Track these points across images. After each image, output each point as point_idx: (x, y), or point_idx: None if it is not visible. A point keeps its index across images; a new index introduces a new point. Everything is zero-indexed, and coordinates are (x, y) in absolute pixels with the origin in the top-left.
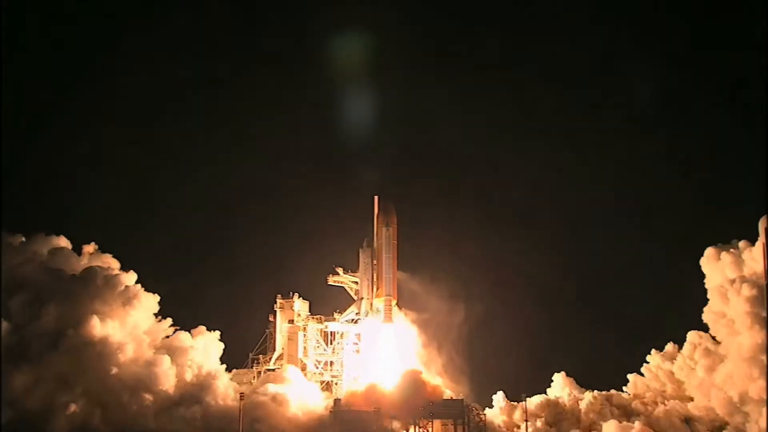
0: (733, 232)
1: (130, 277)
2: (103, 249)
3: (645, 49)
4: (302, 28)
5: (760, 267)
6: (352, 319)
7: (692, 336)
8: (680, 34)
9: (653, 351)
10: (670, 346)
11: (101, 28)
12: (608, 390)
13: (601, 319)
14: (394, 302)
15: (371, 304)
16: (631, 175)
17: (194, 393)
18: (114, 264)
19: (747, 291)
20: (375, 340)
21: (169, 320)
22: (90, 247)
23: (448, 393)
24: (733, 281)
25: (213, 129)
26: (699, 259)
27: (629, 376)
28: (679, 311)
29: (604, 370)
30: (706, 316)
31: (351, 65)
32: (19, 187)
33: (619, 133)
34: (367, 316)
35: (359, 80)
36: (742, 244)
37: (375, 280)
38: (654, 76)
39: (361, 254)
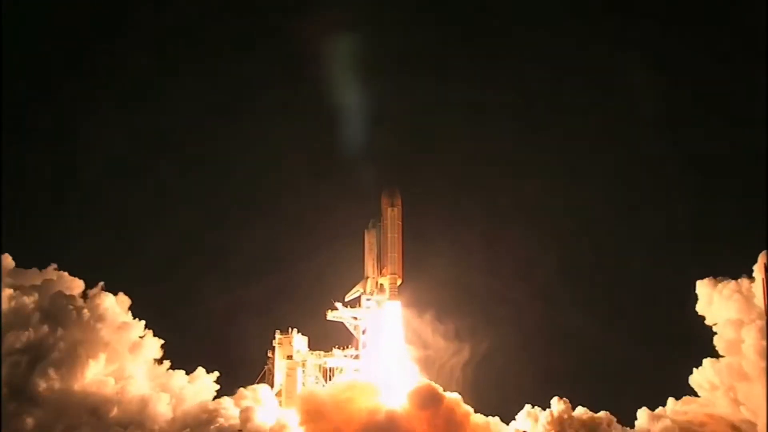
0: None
1: (139, 325)
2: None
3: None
4: (301, 26)
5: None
6: (352, 354)
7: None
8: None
9: (670, 400)
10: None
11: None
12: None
13: (613, 350)
14: (399, 281)
15: (377, 283)
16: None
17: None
18: (123, 304)
19: (752, 339)
20: (380, 319)
21: (167, 363)
22: (97, 289)
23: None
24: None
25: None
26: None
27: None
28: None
29: (617, 406)
30: (718, 366)
31: (350, 63)
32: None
33: (619, 133)
34: (372, 294)
35: (359, 80)
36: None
37: (380, 259)
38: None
39: (366, 235)
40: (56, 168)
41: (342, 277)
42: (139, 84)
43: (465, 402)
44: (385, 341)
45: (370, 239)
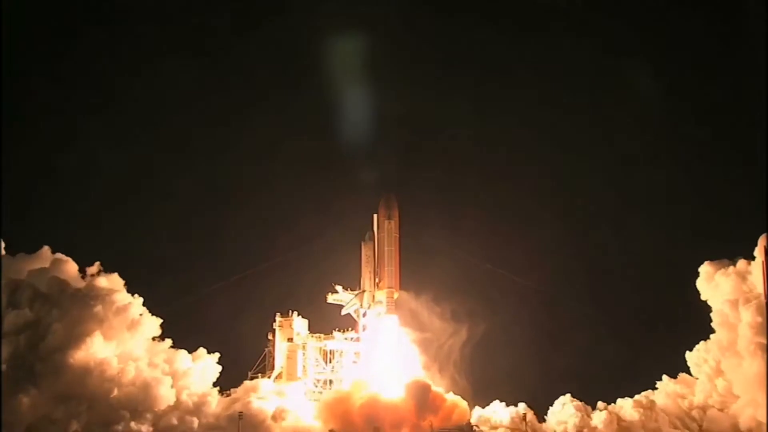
0: (727, 245)
1: (137, 302)
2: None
3: (648, 50)
4: (302, 25)
5: (759, 285)
6: (351, 338)
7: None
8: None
9: (665, 378)
10: (682, 376)
11: (92, 27)
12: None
13: (609, 334)
14: (396, 294)
15: (373, 297)
16: (635, 179)
17: (189, 412)
18: (119, 285)
19: (749, 317)
20: (377, 332)
21: (169, 341)
22: (94, 268)
23: (450, 397)
24: (735, 302)
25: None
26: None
27: (639, 396)
28: (683, 326)
29: (612, 388)
30: (712, 345)
31: (350, 64)
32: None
33: (620, 135)
34: (369, 308)
35: (358, 80)
36: (741, 262)
37: (377, 272)
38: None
39: (363, 247)
40: (50, 156)
41: (342, 262)
42: (140, 79)
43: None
44: (383, 354)
45: (366, 251)
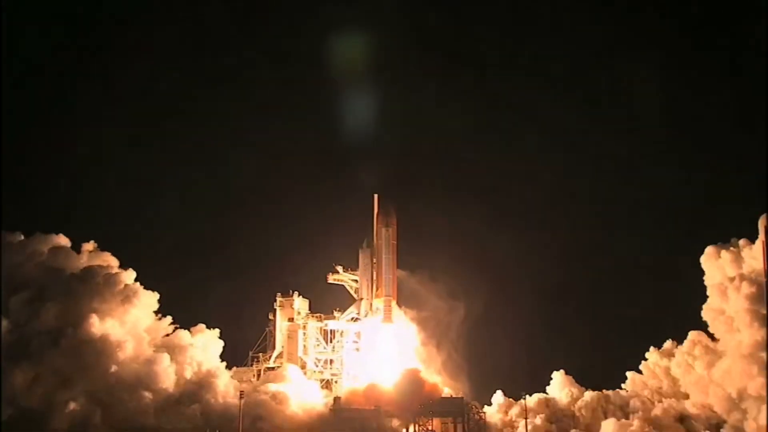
0: (732, 231)
1: (129, 275)
2: (102, 247)
3: (645, 47)
4: (302, 26)
5: (759, 265)
6: (353, 318)
7: (693, 335)
8: (681, 32)
9: (652, 348)
10: (668, 344)
11: (102, 27)
12: (607, 388)
13: (601, 317)
14: (393, 302)
15: (371, 305)
16: (632, 174)
17: (194, 391)
18: (113, 262)
19: (746, 289)
20: (374, 340)
21: (169, 318)
22: (89, 246)
23: (446, 391)
24: (732, 279)
25: (213, 128)
26: (699, 257)
27: (628, 374)
28: (679, 309)
29: (603, 368)
30: (706, 314)
31: (351, 64)
32: (18, 186)
33: (618, 131)
34: (366, 316)
35: (359, 79)
36: (741, 242)
37: (374, 280)
38: (654, 74)
39: (360, 254)
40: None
41: (344, 241)
42: (142, 76)
43: None
44: (380, 365)
45: (364, 259)
